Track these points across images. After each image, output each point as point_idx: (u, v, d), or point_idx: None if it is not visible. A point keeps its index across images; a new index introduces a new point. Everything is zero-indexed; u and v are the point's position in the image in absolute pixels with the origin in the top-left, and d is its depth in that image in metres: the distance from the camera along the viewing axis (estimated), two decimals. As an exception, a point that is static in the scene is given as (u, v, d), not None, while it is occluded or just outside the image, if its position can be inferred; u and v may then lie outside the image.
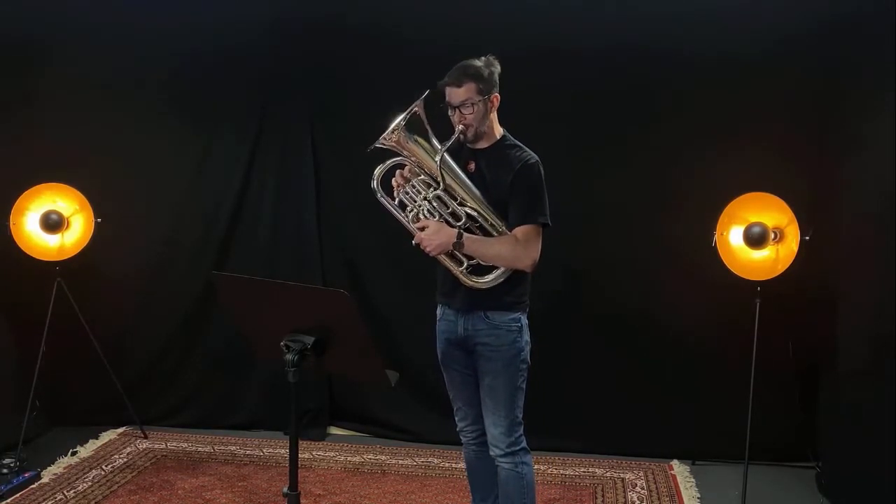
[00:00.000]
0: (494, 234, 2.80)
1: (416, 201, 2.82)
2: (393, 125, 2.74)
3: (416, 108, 2.75)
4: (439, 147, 2.77)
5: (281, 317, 2.43)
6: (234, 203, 4.52)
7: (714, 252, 3.86)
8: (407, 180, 2.82)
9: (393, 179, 2.84)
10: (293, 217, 4.52)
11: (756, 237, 3.75)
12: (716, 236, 3.85)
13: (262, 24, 4.39)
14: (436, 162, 2.75)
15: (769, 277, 3.76)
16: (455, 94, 2.78)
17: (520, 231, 2.76)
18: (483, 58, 2.82)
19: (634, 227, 4.21)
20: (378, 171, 2.83)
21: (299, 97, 4.44)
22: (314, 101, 4.44)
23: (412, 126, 2.76)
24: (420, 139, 2.78)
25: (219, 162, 4.53)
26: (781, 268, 3.73)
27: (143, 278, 4.57)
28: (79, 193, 4.21)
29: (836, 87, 3.86)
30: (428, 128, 2.80)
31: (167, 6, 4.39)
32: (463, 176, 2.83)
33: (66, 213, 4.16)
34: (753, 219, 3.78)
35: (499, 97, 2.84)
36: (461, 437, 3.09)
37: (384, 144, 2.79)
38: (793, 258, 3.71)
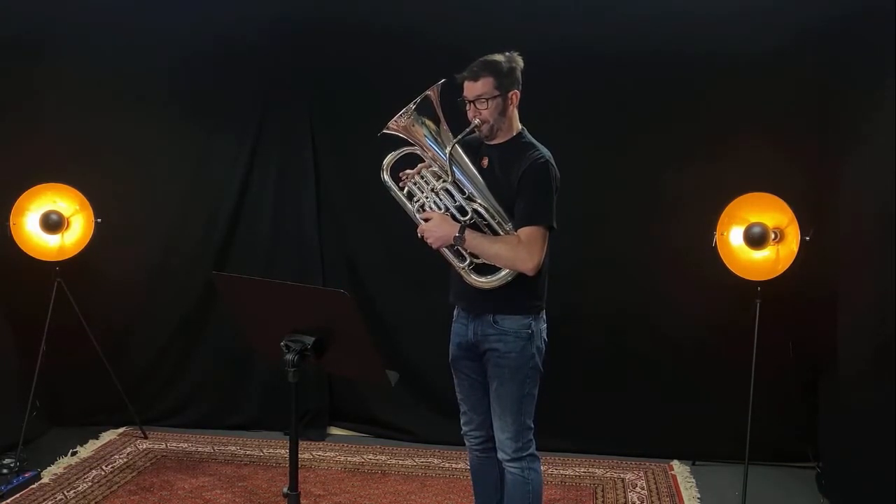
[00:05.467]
0: (501, 233, 2.74)
1: (423, 192, 2.79)
2: (403, 109, 2.69)
3: (428, 93, 2.70)
4: (451, 138, 2.73)
5: (281, 317, 2.43)
6: (234, 203, 4.52)
7: (714, 252, 3.86)
8: (418, 172, 2.80)
9: (402, 173, 2.81)
10: (293, 217, 4.52)
11: (756, 237, 3.75)
12: (716, 236, 3.85)
13: (262, 24, 4.39)
14: (445, 154, 2.71)
15: (769, 278, 3.77)
16: (471, 88, 2.72)
17: (523, 232, 2.69)
18: (505, 53, 2.76)
19: (635, 228, 4.20)
20: (388, 158, 2.80)
21: (299, 97, 4.44)
22: (314, 101, 4.44)
23: (424, 113, 2.71)
24: (431, 128, 2.74)
25: (219, 162, 4.53)
26: (781, 268, 3.73)
27: (144, 278, 4.57)
28: (79, 193, 4.21)
29: (836, 87, 3.85)
30: (441, 117, 2.75)
31: (167, 6, 4.39)
32: (474, 171, 2.77)
33: (66, 213, 4.16)
34: (753, 219, 3.78)
35: (518, 94, 2.77)
36: (465, 441, 3.07)
37: (393, 130, 2.75)
38: (793, 258, 3.70)
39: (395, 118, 2.72)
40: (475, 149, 2.84)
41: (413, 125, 2.73)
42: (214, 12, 4.39)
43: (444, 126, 2.76)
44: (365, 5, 4.33)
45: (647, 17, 4.05)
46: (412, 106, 2.70)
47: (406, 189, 2.81)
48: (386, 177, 2.80)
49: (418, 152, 2.80)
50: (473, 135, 2.78)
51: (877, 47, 3.47)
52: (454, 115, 2.80)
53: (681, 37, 4.02)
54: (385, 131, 2.76)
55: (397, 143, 2.83)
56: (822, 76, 3.92)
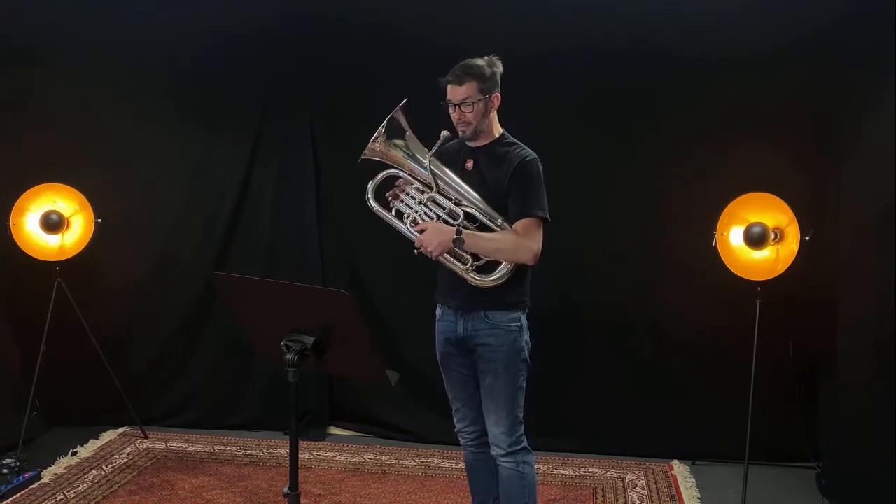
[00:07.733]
0: (495, 229, 2.81)
1: (412, 207, 2.86)
2: (374, 136, 2.81)
3: (393, 115, 2.81)
4: (425, 151, 2.83)
5: (281, 317, 2.43)
6: (234, 203, 4.52)
7: (714, 252, 3.86)
8: (403, 190, 2.88)
9: (388, 193, 2.90)
10: (293, 217, 4.52)
11: (756, 237, 3.75)
12: (716, 236, 3.85)
13: (262, 24, 4.39)
14: (425, 166, 2.80)
15: (769, 277, 3.76)
16: (456, 92, 2.81)
17: (519, 225, 2.77)
18: (485, 57, 2.85)
19: (635, 227, 4.21)
20: (371, 186, 2.91)
21: (299, 97, 4.44)
22: (314, 101, 4.45)
23: (393, 134, 2.82)
24: (404, 146, 2.85)
25: (219, 162, 4.53)
26: (781, 268, 3.73)
27: (144, 278, 4.57)
28: (79, 193, 4.21)
29: (836, 87, 3.85)
30: (412, 133, 2.85)
31: (167, 6, 4.39)
32: (454, 176, 2.86)
33: (66, 213, 4.16)
34: (753, 219, 3.78)
35: (499, 97, 2.86)
36: (459, 439, 3.09)
37: (370, 156, 2.87)
38: (793, 258, 3.71)
39: (368, 145, 2.84)
40: (454, 153, 2.92)
41: (388, 148, 2.85)
42: (214, 13, 4.39)
43: (415, 140, 2.86)
44: (365, 6, 4.33)
45: (647, 17, 4.05)
46: (382, 129, 2.82)
47: (395, 210, 2.89)
48: (372, 202, 2.90)
49: (397, 172, 2.90)
50: (450, 142, 2.88)
51: (877, 47, 3.47)
52: (426, 127, 2.86)
53: (681, 37, 4.02)
54: (363, 157, 2.86)
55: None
56: (822, 76, 3.92)
